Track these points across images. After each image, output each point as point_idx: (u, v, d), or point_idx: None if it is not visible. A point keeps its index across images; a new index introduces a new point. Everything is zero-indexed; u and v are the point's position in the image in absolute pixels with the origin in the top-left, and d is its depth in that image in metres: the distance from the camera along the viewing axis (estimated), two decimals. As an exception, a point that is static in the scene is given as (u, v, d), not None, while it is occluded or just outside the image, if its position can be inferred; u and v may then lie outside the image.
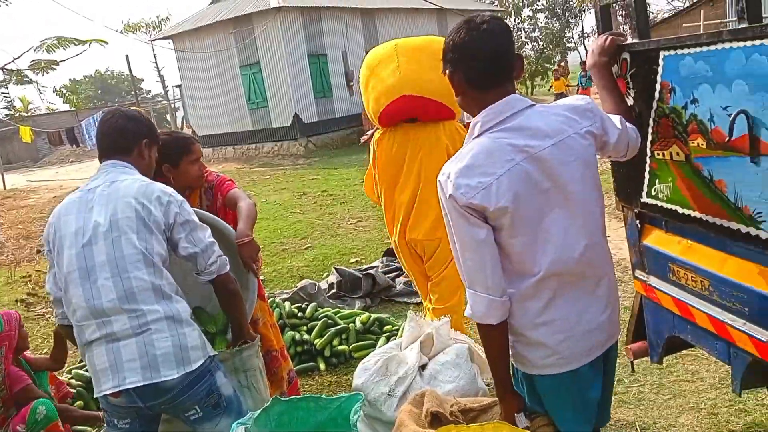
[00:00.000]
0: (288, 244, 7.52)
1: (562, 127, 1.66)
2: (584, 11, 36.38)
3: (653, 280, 2.18)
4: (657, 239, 2.15)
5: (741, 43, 1.55)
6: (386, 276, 5.28)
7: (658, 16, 35.58)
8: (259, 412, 2.03)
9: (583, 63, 18.96)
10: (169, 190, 2.17)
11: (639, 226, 2.23)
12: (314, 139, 17.99)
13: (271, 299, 4.41)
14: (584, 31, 38.17)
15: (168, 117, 31.05)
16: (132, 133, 2.21)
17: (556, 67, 24.60)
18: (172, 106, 39.72)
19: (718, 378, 3.24)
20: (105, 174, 2.16)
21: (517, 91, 1.71)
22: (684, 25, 20.09)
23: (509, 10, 33.20)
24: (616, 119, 1.81)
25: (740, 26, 1.56)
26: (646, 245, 2.19)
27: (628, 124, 1.85)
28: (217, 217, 2.67)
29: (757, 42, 1.50)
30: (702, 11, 20.11)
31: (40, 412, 3.02)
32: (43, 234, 2.19)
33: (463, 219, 1.63)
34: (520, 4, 34.55)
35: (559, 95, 19.02)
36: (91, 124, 15.91)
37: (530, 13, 36.19)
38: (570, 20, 37.75)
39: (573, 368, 1.74)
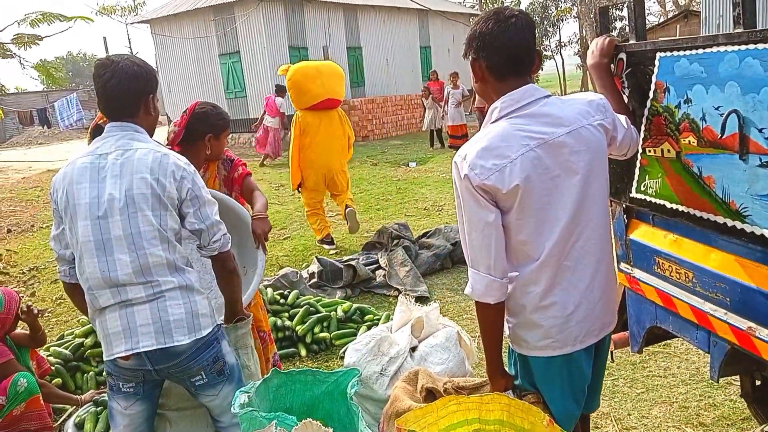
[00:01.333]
0: (266, 233, 7.51)
1: (576, 117, 1.73)
2: (562, 21, 36.93)
3: (638, 273, 2.28)
4: (644, 233, 2.25)
5: (736, 47, 1.64)
6: (366, 268, 5.34)
7: (634, 29, 36.15)
8: (260, 382, 2.07)
9: None
10: (183, 162, 2.16)
11: (626, 220, 2.33)
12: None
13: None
14: (561, 41, 38.67)
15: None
16: (135, 94, 2.13)
17: None
18: (146, 92, 38.97)
19: (688, 374, 3.38)
20: (115, 139, 2.12)
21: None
22: (659, 39, 20.52)
23: (489, 14, 33.43)
24: (623, 119, 1.90)
25: (736, 30, 1.66)
26: (632, 239, 2.29)
27: (631, 125, 1.94)
28: (231, 198, 2.82)
29: (751, 46, 1.60)
30: (678, 26, 20.64)
31: (21, 384, 3.00)
32: (51, 191, 2.18)
33: (474, 200, 1.70)
34: (500, 9, 34.82)
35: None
36: (64, 105, 15.62)
37: (509, 19, 36.43)
38: (548, 29, 38.28)
39: (566, 352, 1.82)
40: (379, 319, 4.25)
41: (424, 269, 5.41)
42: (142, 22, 20.36)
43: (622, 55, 2.12)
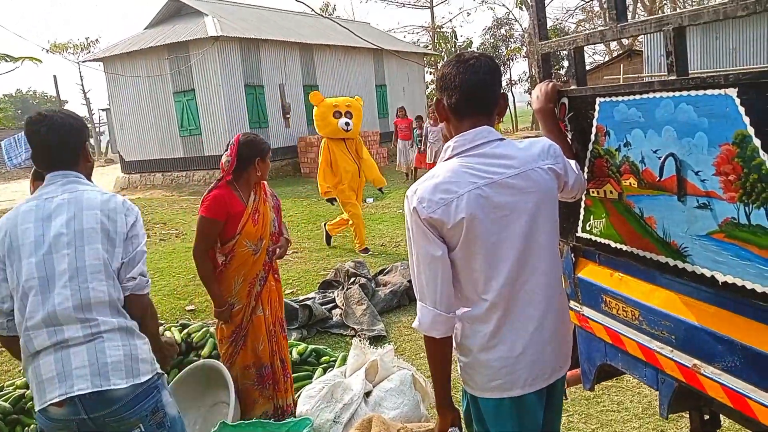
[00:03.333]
0: (220, 274, 7.37)
1: (527, 160, 1.77)
2: (512, 60, 38.06)
3: (586, 311, 2.31)
4: (590, 272, 2.29)
5: (670, 93, 1.71)
6: (322, 308, 5.28)
7: (581, 67, 37.60)
8: (206, 436, 2.00)
9: (418, 118, 14.94)
10: (129, 202, 2.21)
11: (573, 259, 2.37)
12: (248, 169, 17.77)
13: (204, 329, 4.33)
14: (512, 79, 39.78)
15: (92, 141, 30.00)
16: (74, 146, 2.17)
17: None
18: (97, 130, 38.46)
19: (641, 408, 3.42)
20: (59, 184, 2.12)
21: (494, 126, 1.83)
22: (605, 77, 21.40)
23: (441, 54, 34.34)
24: (573, 163, 1.94)
25: (670, 78, 1.73)
26: (580, 277, 2.33)
27: (579, 169, 1.99)
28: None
29: (685, 93, 1.67)
30: (621, 65, 21.53)
31: None
32: None
33: (422, 233, 1.72)
34: (453, 49, 35.80)
35: None
36: (12, 144, 15.17)
37: (462, 58, 37.47)
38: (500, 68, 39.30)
39: (515, 395, 1.81)
40: (335, 361, 4.18)
41: (381, 307, 5.37)
42: (94, 60, 20.10)
43: (564, 100, 2.18)
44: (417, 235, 1.75)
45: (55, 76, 17.95)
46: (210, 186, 3.30)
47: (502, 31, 37.46)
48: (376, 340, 4.78)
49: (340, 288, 5.73)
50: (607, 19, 1.91)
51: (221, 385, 2.93)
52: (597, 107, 2.03)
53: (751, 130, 1.49)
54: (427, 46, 35.17)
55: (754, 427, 1.80)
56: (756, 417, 1.62)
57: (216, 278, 3.23)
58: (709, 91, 1.58)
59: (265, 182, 3.44)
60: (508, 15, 39.33)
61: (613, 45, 37.00)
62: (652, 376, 2.04)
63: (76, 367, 1.95)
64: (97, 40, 44.49)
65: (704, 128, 1.62)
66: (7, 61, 10.88)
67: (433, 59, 32.53)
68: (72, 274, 1.99)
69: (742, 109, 1.50)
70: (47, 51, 28.16)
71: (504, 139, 1.81)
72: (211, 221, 3.16)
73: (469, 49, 36.88)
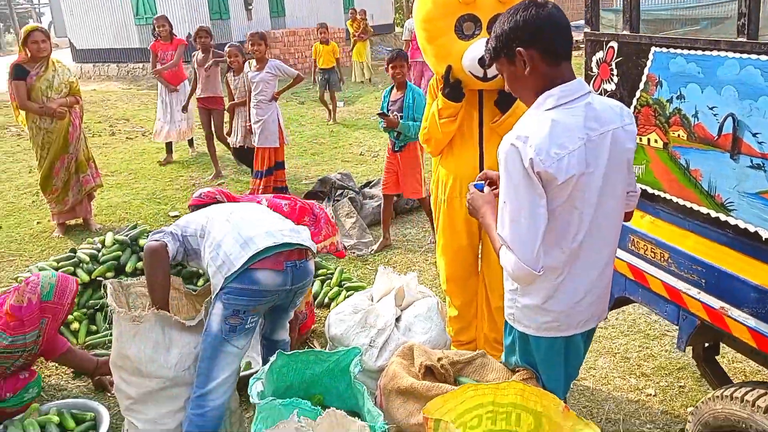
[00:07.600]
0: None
1: (615, 119, 1.76)
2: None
3: (610, 247, 2.43)
4: (619, 212, 2.40)
5: (737, 54, 1.74)
6: (312, 219, 5.33)
7: None
8: (267, 366, 2.09)
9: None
10: None
11: (601, 198, 2.46)
12: (208, 63, 17.04)
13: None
14: None
15: (32, 23, 27.98)
16: None
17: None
18: (37, 11, 35.83)
19: (626, 326, 3.68)
20: None
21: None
22: (656, 35, 20.80)
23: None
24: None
25: (739, 39, 1.75)
26: (606, 216, 2.43)
27: None
28: None
29: (753, 56, 1.70)
30: None
31: (31, 393, 2.85)
32: None
33: (531, 184, 1.67)
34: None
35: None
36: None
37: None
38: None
39: (568, 335, 1.92)
40: (332, 274, 4.30)
41: (369, 220, 5.46)
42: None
43: (614, 44, 2.18)
44: (524, 186, 1.68)
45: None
46: None
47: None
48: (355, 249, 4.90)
49: (327, 199, 5.77)
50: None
51: None
52: (651, 56, 2.04)
53: (823, 102, 1.55)
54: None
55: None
56: (780, 358, 1.80)
57: None
58: (783, 58, 1.62)
59: None
60: None
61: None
62: (674, 313, 2.20)
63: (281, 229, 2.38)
64: None
65: (771, 93, 1.67)
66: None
67: None
68: None
69: (817, 81, 1.55)
70: None
71: (591, 91, 1.78)
72: None
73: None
